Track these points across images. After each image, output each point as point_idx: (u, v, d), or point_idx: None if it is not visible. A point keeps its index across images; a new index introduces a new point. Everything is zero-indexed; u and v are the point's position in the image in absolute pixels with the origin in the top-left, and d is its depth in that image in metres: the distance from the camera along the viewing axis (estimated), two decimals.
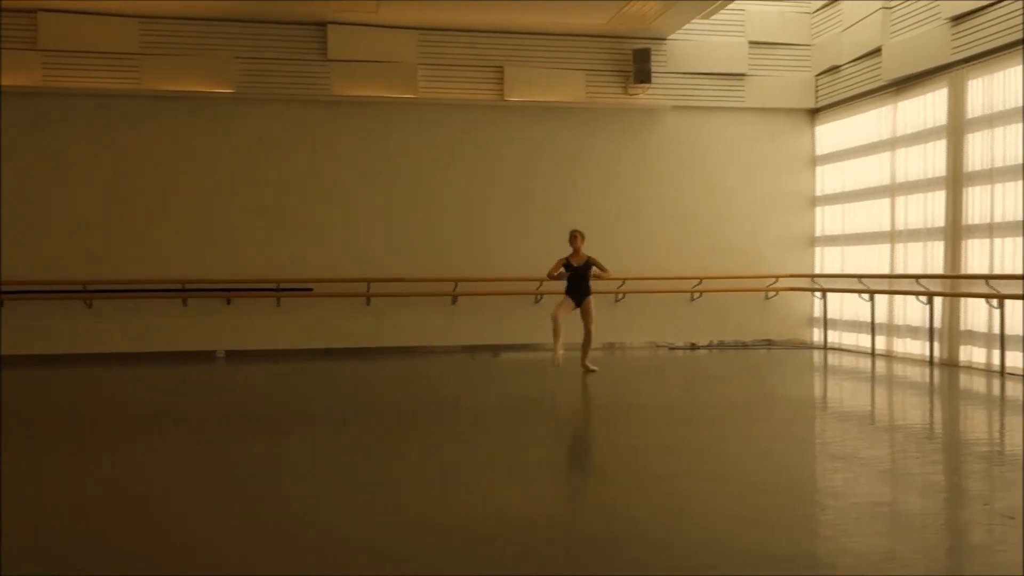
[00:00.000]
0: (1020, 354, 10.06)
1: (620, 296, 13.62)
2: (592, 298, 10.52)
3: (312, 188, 12.95)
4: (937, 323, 11.38)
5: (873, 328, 12.61)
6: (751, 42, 13.86)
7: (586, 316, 10.46)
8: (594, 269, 10.47)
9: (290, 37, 12.69)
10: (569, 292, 10.49)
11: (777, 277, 14.04)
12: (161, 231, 12.54)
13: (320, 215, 12.95)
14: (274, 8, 12.14)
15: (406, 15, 12.46)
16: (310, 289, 12.83)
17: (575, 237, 10.49)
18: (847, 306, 13.49)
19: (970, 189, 10.98)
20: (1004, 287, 10.15)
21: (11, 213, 12.11)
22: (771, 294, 14.14)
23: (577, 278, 10.44)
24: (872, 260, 12.89)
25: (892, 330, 12.48)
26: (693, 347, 13.96)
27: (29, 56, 12.00)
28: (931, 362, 11.31)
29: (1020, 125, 10.08)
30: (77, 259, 12.26)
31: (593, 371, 10.38)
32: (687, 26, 13.28)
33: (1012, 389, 9.25)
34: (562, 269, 10.49)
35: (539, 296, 12.99)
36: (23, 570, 3.81)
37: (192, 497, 5.07)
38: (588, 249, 10.60)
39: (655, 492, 5.13)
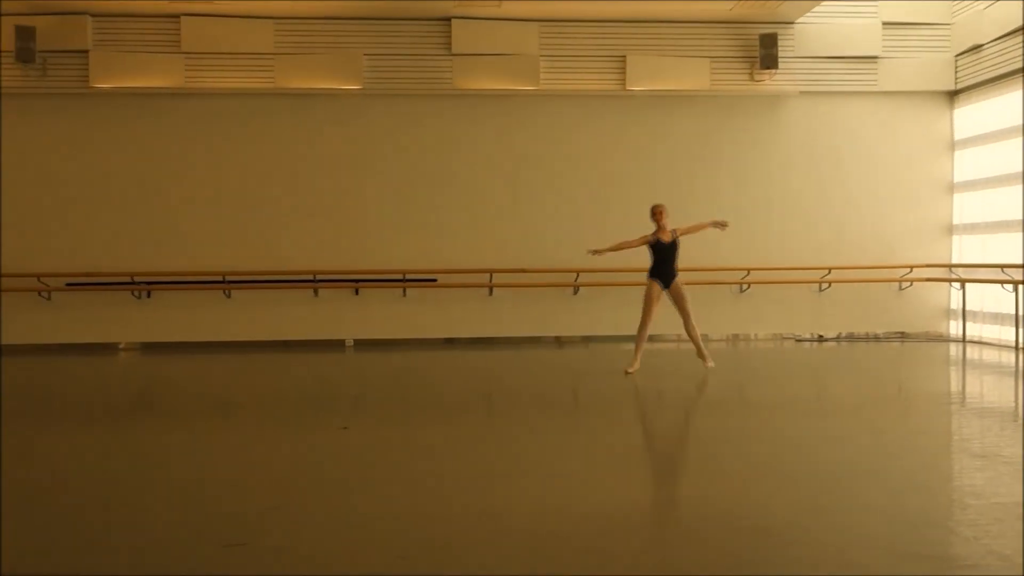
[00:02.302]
0: None
1: (745, 287, 13.37)
2: (681, 278, 9.64)
3: (436, 180, 13.23)
4: None
5: (1017, 321, 11.95)
6: (885, 23, 13.33)
7: (681, 299, 9.57)
8: (683, 237, 9.52)
9: (415, 33, 12.98)
10: (655, 274, 9.59)
11: (912, 267, 13.49)
12: (293, 224, 13.07)
13: (444, 206, 13.22)
14: (400, 5, 12.46)
15: (528, 8, 12.56)
16: (434, 280, 13.13)
17: (660, 212, 9.53)
18: (988, 297, 12.83)
19: None
20: None
21: (157, 209, 12.89)
22: (905, 285, 13.59)
23: (666, 257, 9.55)
24: (1017, 249, 12.21)
25: None
26: (820, 339, 13.58)
27: (174, 59, 12.70)
28: None
29: None
30: (216, 251, 12.92)
31: (711, 366, 9.80)
32: (816, 9, 12.90)
33: None
34: (646, 248, 9.61)
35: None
36: (222, 542, 4.09)
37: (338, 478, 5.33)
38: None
39: (796, 487, 5.05)
